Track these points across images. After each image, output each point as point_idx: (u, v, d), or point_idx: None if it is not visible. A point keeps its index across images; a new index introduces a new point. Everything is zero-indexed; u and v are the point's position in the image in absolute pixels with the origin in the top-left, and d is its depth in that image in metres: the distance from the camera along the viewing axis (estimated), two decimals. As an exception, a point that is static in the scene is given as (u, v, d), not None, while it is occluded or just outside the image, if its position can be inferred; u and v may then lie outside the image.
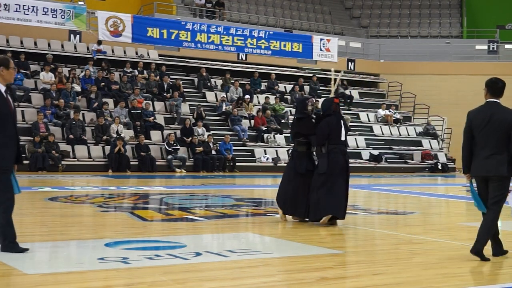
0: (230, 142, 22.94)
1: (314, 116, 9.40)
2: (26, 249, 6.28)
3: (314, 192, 8.94)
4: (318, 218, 8.96)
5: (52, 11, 24.36)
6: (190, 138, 22.42)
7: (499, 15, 35.21)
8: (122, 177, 18.49)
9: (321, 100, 27.89)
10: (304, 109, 9.30)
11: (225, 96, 25.81)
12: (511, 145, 6.31)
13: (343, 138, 9.02)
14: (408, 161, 26.81)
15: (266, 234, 8.20)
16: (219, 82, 27.24)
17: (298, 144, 9.28)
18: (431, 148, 28.35)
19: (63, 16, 24.56)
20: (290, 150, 9.67)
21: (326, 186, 8.83)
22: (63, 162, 19.77)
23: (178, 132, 22.84)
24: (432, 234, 8.45)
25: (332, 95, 10.00)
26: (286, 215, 9.32)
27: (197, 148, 22.11)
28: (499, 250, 6.58)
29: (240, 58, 28.52)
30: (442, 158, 27.59)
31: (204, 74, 26.57)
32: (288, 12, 34.55)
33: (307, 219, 9.17)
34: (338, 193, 8.86)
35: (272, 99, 26.68)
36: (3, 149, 6.17)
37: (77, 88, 22.79)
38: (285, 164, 9.68)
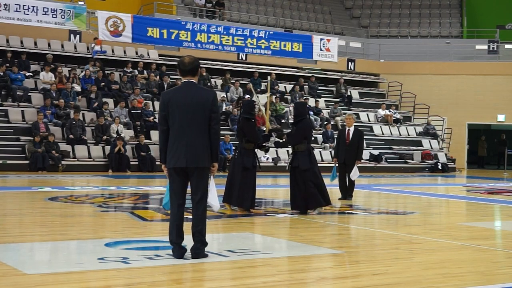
0: (230, 142, 22.93)
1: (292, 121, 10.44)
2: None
3: (308, 186, 9.89)
4: (314, 208, 10.03)
5: (52, 11, 24.34)
6: (190, 138, 22.38)
7: (499, 15, 35.18)
8: (122, 177, 18.47)
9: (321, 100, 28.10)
10: (251, 110, 10.27)
11: (225, 96, 25.80)
12: None
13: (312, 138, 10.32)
14: (408, 161, 26.79)
15: (266, 234, 8.20)
16: (219, 82, 27.22)
17: (246, 142, 10.13)
18: (431, 148, 28.33)
19: (63, 16, 24.55)
20: (237, 148, 10.50)
21: (314, 180, 9.93)
22: (63, 162, 19.75)
23: (178, 132, 22.77)
24: (432, 234, 8.45)
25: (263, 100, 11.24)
26: (232, 206, 10.20)
27: (197, 148, 22.07)
28: None
29: (240, 58, 28.50)
30: (442, 158, 27.57)
31: (204, 74, 26.55)
32: (288, 12, 34.54)
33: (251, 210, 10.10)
34: (322, 185, 10.09)
35: (272, 99, 26.66)
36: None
37: (77, 88, 22.77)
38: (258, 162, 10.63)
